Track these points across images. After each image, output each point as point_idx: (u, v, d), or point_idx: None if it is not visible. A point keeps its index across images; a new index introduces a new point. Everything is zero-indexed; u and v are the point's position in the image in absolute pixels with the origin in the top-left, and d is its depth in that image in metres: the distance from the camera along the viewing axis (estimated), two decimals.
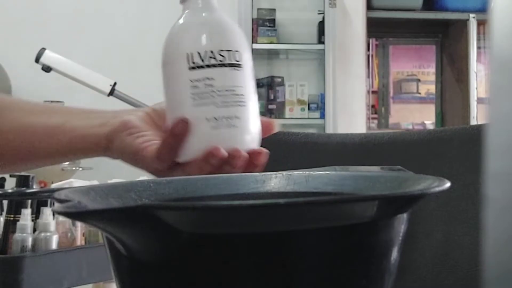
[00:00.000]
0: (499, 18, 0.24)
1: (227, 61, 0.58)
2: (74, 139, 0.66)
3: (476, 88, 3.46)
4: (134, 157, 0.63)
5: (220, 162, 0.59)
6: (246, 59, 0.60)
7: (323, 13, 3.25)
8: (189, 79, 0.58)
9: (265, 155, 0.62)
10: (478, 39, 3.49)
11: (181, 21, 0.61)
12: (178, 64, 0.59)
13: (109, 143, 0.64)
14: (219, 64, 0.58)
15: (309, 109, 3.29)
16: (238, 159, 0.59)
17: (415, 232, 0.89)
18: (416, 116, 4.09)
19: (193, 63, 0.58)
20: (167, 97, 0.62)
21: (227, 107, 0.58)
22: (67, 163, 2.26)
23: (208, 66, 0.58)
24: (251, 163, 0.61)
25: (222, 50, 0.58)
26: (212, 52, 0.58)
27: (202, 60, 0.58)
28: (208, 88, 0.58)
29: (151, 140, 0.62)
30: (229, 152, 0.59)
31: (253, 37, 3.19)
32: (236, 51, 0.59)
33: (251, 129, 0.61)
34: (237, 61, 0.59)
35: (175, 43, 0.60)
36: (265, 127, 0.64)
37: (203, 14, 0.60)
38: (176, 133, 0.59)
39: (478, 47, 3.49)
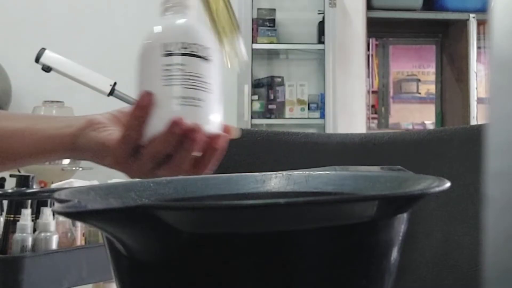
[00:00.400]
0: (499, 18, 0.24)
1: (198, 53, 0.64)
2: (41, 140, 0.69)
3: (476, 88, 3.46)
4: (99, 149, 0.66)
5: (183, 133, 0.61)
6: (216, 57, 0.66)
7: (323, 13, 3.25)
8: (162, 63, 0.63)
9: (224, 139, 0.66)
10: (478, 39, 3.49)
11: (160, 22, 0.67)
12: (154, 52, 0.64)
13: (75, 142, 0.67)
14: (190, 54, 0.63)
15: (309, 109, 3.29)
16: (198, 133, 0.62)
17: (415, 232, 0.89)
18: (416, 116, 4.09)
19: (168, 50, 0.63)
20: (139, 82, 0.66)
21: (194, 90, 0.63)
22: (67, 163, 2.26)
23: (181, 54, 0.63)
24: (210, 145, 0.64)
25: (195, 44, 0.64)
26: (187, 43, 0.64)
27: (178, 49, 0.64)
28: (179, 72, 0.63)
29: (114, 133, 0.66)
30: (191, 126, 0.62)
31: (253, 37, 3.19)
32: (208, 47, 0.65)
33: (213, 114, 0.65)
34: (208, 56, 0.64)
35: (154, 37, 0.66)
36: (225, 128, 0.67)
37: (181, 18, 0.67)
38: (142, 105, 0.62)
39: (478, 47, 3.49)
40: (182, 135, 0.62)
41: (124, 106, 0.70)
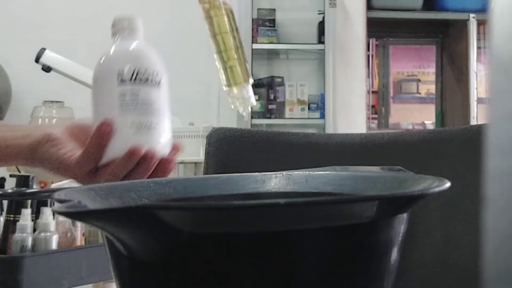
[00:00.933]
0: (499, 18, 0.24)
1: (150, 80, 0.70)
2: None
3: (476, 88, 3.46)
4: (57, 166, 0.70)
5: (139, 159, 0.68)
6: (164, 79, 0.72)
7: (323, 13, 3.25)
8: (118, 92, 0.69)
9: (173, 163, 0.72)
10: (478, 39, 3.49)
11: (113, 47, 0.72)
12: (109, 80, 0.69)
13: (32, 153, 0.70)
14: (143, 82, 0.69)
15: (309, 109, 3.29)
16: (152, 159, 0.68)
17: (415, 232, 0.89)
18: (416, 116, 4.09)
19: (122, 79, 0.69)
20: (95, 107, 0.71)
21: (147, 116, 0.69)
22: None
23: (135, 82, 0.69)
24: (163, 167, 0.70)
25: (146, 71, 0.70)
26: (139, 71, 0.69)
27: (131, 77, 0.69)
28: (133, 100, 0.69)
29: (72, 151, 0.70)
30: (147, 153, 0.68)
31: (253, 37, 3.19)
32: (158, 72, 0.71)
33: (165, 135, 0.72)
34: (158, 80, 0.71)
35: (107, 63, 0.71)
36: (173, 146, 0.73)
37: (131, 42, 0.72)
38: (102, 132, 0.68)
39: (478, 47, 3.49)
40: (138, 161, 0.68)
41: (80, 120, 0.75)
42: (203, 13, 0.58)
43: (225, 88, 0.55)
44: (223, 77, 0.55)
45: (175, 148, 0.73)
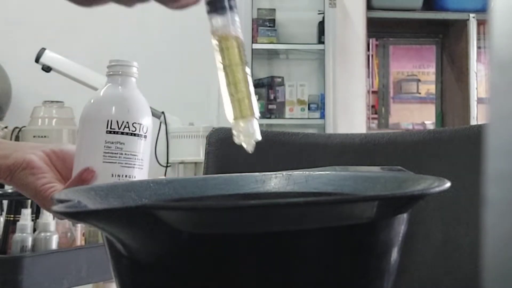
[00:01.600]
0: (499, 18, 0.24)
1: (136, 132, 0.72)
2: None
3: (476, 88, 3.46)
4: (33, 195, 0.72)
5: None
6: (149, 131, 0.75)
7: (323, 13, 3.25)
8: (105, 140, 0.71)
9: None
10: (478, 39, 3.49)
11: (103, 92, 0.74)
12: (98, 126, 0.72)
13: (10, 176, 0.72)
14: (130, 133, 0.72)
15: (309, 109, 3.29)
16: None
17: (415, 233, 0.89)
18: (416, 116, 4.09)
19: (111, 128, 0.72)
20: (81, 148, 0.73)
21: (129, 168, 0.72)
22: None
23: (122, 133, 0.72)
24: None
25: (135, 123, 0.72)
26: (128, 123, 0.72)
27: (119, 128, 0.72)
28: (118, 150, 0.71)
29: (51, 182, 0.71)
30: None
31: (253, 37, 3.19)
32: (144, 125, 0.73)
33: None
34: (144, 133, 0.73)
35: (97, 109, 0.73)
36: None
37: (121, 90, 0.74)
38: (83, 179, 0.70)
39: (478, 47, 3.49)
40: None
41: (59, 147, 0.77)
42: (213, 44, 0.58)
43: (231, 121, 0.54)
44: (230, 109, 0.54)
45: None
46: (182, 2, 0.57)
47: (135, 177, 0.72)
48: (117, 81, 0.75)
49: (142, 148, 0.73)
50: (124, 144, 0.72)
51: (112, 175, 0.71)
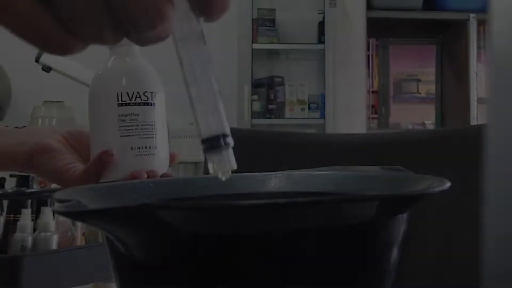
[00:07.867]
0: (499, 18, 0.24)
1: (148, 101, 0.70)
2: None
3: (476, 88, 3.46)
4: (57, 177, 0.71)
5: None
6: (161, 97, 0.73)
7: (323, 13, 3.25)
8: (118, 113, 0.69)
9: (172, 176, 0.73)
10: (478, 39, 3.48)
11: (110, 65, 0.72)
12: (108, 101, 0.70)
13: (30, 161, 0.71)
14: (143, 103, 0.70)
15: (309, 109, 3.29)
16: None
17: (415, 232, 0.89)
18: (416, 116, 4.08)
19: (122, 100, 0.69)
20: (94, 127, 0.72)
21: (147, 139, 0.70)
22: None
23: (134, 104, 0.69)
24: None
25: (146, 92, 0.70)
26: (138, 93, 0.70)
27: (130, 99, 0.69)
28: (133, 122, 0.69)
29: (72, 163, 0.71)
30: (148, 175, 0.70)
31: (253, 37, 3.18)
32: (155, 92, 0.71)
33: (163, 156, 0.73)
34: (156, 100, 0.71)
35: (105, 83, 0.71)
36: (171, 158, 0.75)
37: (128, 60, 0.72)
38: (103, 161, 0.69)
39: (478, 47, 3.48)
40: None
41: (74, 129, 0.76)
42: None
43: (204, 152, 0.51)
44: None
45: (172, 160, 0.74)
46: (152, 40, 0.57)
47: (155, 147, 0.70)
48: (121, 52, 0.72)
49: (155, 116, 0.71)
50: (138, 115, 0.69)
51: (132, 148, 0.69)
